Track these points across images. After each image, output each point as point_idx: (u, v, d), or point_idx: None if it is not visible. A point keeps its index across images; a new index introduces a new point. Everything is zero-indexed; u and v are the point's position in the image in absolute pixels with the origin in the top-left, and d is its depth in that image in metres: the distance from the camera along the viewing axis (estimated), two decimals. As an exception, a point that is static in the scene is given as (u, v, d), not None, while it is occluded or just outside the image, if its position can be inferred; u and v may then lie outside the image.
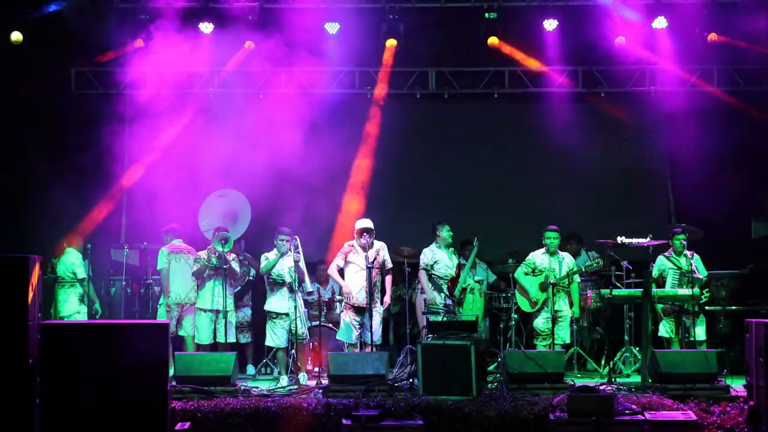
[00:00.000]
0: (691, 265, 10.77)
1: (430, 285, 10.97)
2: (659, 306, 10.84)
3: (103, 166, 12.19)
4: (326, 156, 12.00)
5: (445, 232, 11.12)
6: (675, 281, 10.80)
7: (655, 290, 10.46)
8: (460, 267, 11.21)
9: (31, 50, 11.72)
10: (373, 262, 10.46)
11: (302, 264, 10.57)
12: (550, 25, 12.10)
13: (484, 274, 12.08)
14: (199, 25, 12.09)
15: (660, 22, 11.98)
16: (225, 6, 11.99)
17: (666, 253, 11.00)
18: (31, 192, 12.18)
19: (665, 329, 10.87)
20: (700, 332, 10.74)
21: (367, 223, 10.65)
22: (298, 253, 10.49)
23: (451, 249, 11.21)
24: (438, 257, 11.05)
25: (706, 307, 11.05)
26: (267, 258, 10.69)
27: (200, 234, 11.86)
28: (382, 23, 12.14)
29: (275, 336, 10.66)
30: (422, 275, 11.05)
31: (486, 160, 13.14)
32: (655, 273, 10.91)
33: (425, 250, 11.15)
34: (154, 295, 11.40)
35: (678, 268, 10.82)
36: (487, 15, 12.06)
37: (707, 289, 11.03)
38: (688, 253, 10.91)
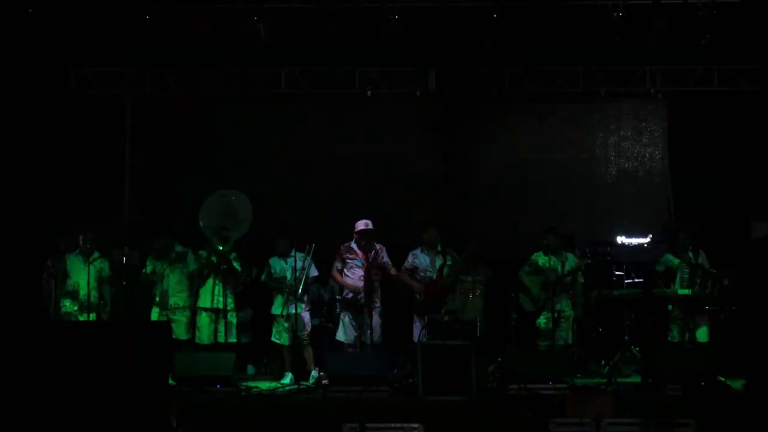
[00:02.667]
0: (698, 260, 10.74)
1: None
2: (670, 307, 10.79)
3: (104, 165, 12.19)
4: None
5: (429, 235, 11.07)
6: (684, 275, 10.69)
7: (654, 290, 10.44)
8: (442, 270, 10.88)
9: (31, 49, 11.72)
10: (372, 263, 10.49)
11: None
12: (551, 25, 12.12)
13: (486, 274, 12.05)
14: (199, 25, 12.12)
15: (660, 23, 11.99)
16: (225, 6, 11.98)
17: (672, 251, 10.98)
18: (31, 191, 12.18)
19: (675, 332, 10.78)
20: (702, 333, 10.71)
21: (367, 224, 10.66)
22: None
23: (436, 252, 11.08)
24: (418, 263, 11.02)
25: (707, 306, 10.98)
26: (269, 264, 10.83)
27: (200, 233, 11.90)
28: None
29: (281, 335, 10.76)
30: (404, 276, 11.03)
31: (485, 159, 13.15)
32: (659, 268, 10.90)
33: (410, 254, 11.12)
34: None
35: (687, 264, 10.74)
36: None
37: (718, 283, 10.89)
38: (690, 248, 10.88)
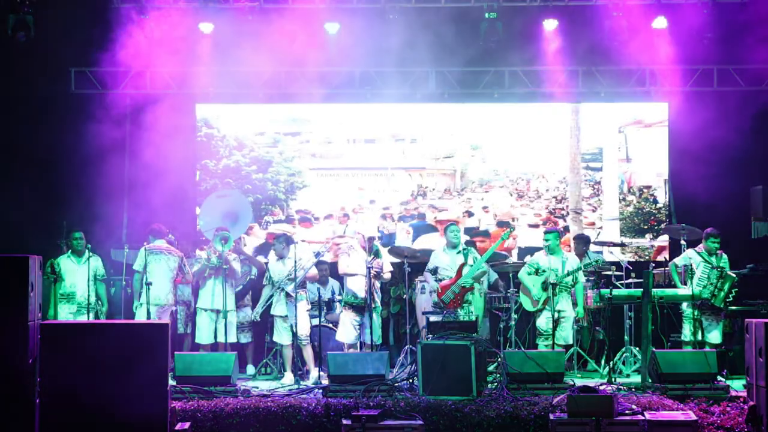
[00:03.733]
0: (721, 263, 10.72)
1: (435, 285, 10.92)
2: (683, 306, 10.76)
3: (104, 166, 12.18)
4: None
5: (449, 234, 11.09)
6: (704, 275, 10.66)
7: (655, 290, 10.39)
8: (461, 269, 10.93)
9: (32, 50, 11.70)
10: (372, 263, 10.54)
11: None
12: (550, 24, 12.15)
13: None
14: (199, 25, 12.15)
15: (660, 22, 11.99)
16: (225, 6, 11.98)
17: (697, 248, 10.91)
18: (31, 192, 12.17)
19: (687, 332, 10.72)
20: (715, 336, 10.69)
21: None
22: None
23: (458, 250, 11.12)
24: (439, 261, 11.03)
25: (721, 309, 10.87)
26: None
27: (200, 234, 11.87)
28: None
29: (281, 335, 10.77)
30: (427, 276, 11.07)
31: (485, 158, 13.16)
32: (679, 263, 10.86)
33: (432, 254, 11.20)
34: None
35: (708, 263, 10.70)
36: (487, 15, 12.00)
37: (736, 289, 10.84)
38: (717, 252, 10.87)
